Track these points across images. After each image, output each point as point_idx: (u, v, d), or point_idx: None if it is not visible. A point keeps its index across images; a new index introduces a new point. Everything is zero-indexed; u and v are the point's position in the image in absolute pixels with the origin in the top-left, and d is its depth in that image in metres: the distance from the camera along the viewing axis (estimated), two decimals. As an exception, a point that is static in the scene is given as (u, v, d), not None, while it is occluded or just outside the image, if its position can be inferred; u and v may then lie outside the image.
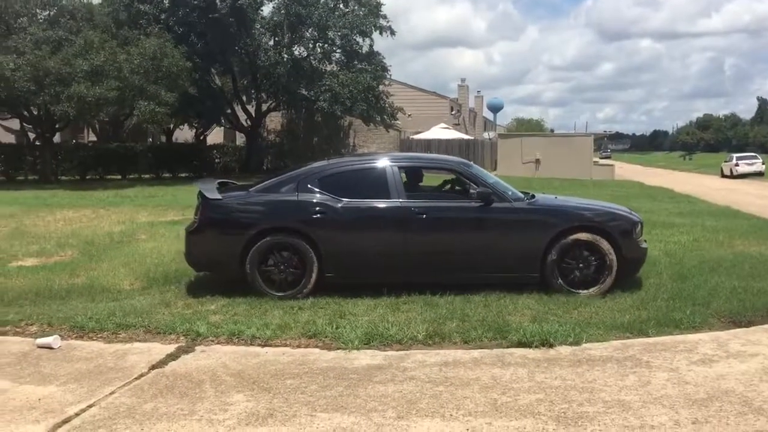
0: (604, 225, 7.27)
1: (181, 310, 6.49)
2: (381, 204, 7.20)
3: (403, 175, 7.60)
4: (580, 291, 7.05)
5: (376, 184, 7.28)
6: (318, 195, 7.13)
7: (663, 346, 5.44)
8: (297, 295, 6.91)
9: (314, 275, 6.97)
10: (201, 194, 7.21)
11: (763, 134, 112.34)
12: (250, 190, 7.45)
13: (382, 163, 7.55)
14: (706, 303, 6.57)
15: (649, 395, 4.40)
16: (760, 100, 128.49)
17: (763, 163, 43.65)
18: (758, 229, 12.24)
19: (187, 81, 26.34)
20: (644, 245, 7.56)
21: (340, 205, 7.09)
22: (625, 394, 4.41)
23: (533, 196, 7.69)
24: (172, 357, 5.22)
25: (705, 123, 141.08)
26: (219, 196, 7.17)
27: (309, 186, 7.18)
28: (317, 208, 7.07)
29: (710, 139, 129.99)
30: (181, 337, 5.68)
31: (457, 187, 8.02)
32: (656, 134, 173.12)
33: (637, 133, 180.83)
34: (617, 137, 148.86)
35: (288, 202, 7.16)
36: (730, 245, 10.26)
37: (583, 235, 7.13)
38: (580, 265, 7.13)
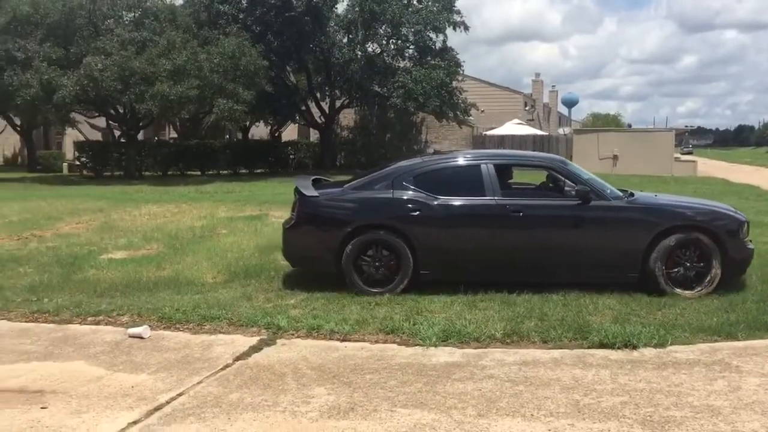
0: (709, 224, 7.07)
1: (262, 304, 6.65)
2: (476, 202, 7.17)
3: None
4: (685, 292, 6.87)
5: (471, 182, 7.24)
6: (413, 192, 7.15)
7: (753, 351, 5.24)
8: (392, 291, 6.95)
9: (410, 272, 7.01)
10: (298, 191, 7.35)
11: None
12: (345, 187, 7.56)
13: (477, 160, 7.53)
14: (799, 306, 6.29)
15: (739, 401, 4.25)
16: None
17: None
18: None
19: (263, 79, 26.92)
20: (750, 246, 7.29)
21: (435, 202, 7.09)
22: (714, 399, 4.27)
23: (632, 194, 7.52)
24: (255, 349, 5.36)
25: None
26: (316, 193, 7.29)
27: (404, 183, 7.22)
28: (413, 206, 7.08)
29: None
30: (263, 330, 5.83)
31: (551, 185, 7.89)
32: (741, 129, 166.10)
33: (721, 128, 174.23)
34: (699, 132, 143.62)
35: (383, 199, 7.20)
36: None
37: (686, 235, 6.95)
38: (686, 265, 6.95)
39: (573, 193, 7.17)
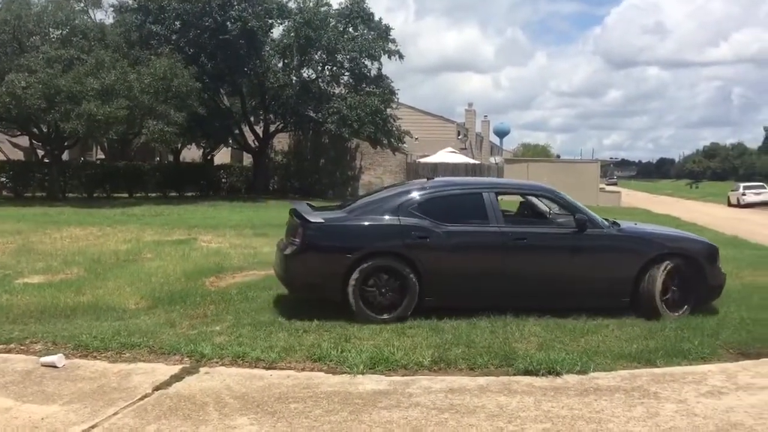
0: (692, 252, 7.57)
1: (186, 331, 6.46)
2: (481, 229, 7.29)
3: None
4: (672, 314, 7.26)
5: (475, 210, 7.37)
6: (419, 219, 7.15)
7: (671, 377, 5.39)
8: (397, 318, 6.89)
9: (415, 298, 6.99)
10: (300, 216, 7.18)
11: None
12: (345, 212, 7.46)
13: (480, 188, 7.71)
14: (714, 334, 6.52)
15: (657, 427, 4.35)
16: (767, 129, 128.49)
17: (770, 193, 43.46)
18: (766, 260, 12.17)
19: (196, 101, 26.54)
20: (723, 272, 7.78)
21: (441, 229, 7.13)
22: (633, 426, 4.36)
23: (618, 224, 7.79)
24: (177, 378, 5.19)
25: (712, 151, 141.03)
26: (321, 219, 7.18)
27: (410, 210, 7.21)
28: (420, 233, 7.08)
29: (717, 168, 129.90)
30: (186, 358, 5.65)
31: (526, 212, 8.24)
32: (663, 162, 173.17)
33: (644, 161, 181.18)
34: (624, 164, 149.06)
35: (391, 226, 7.15)
36: (738, 276, 10.17)
37: (673, 262, 7.33)
38: (673, 289, 7.36)
39: (558, 220, 7.66)
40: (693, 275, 7.42)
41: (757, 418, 4.53)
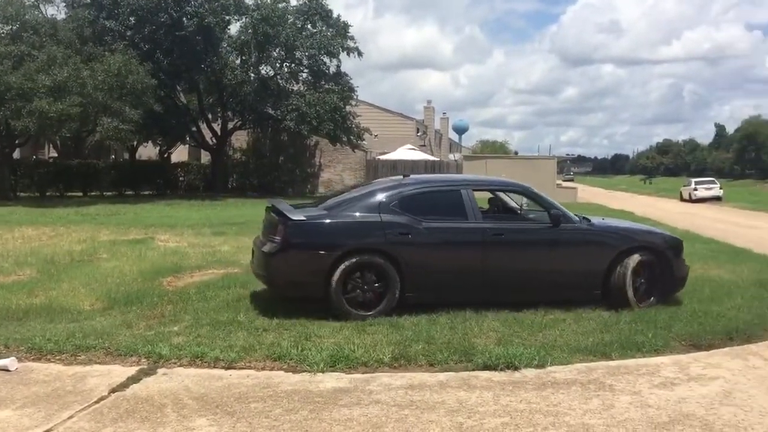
0: (660, 245, 7.92)
1: (143, 332, 6.36)
2: (461, 225, 7.41)
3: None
4: (641, 304, 7.53)
5: (454, 207, 7.47)
6: (400, 216, 7.21)
7: (626, 370, 5.50)
8: (379, 314, 6.91)
9: (397, 294, 7.03)
10: (281, 214, 7.14)
11: (720, 159, 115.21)
12: (323, 208, 7.44)
13: (458, 185, 7.83)
14: (667, 326, 6.68)
15: (612, 419, 4.44)
16: (718, 126, 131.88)
17: (720, 188, 44.71)
18: (717, 253, 12.50)
19: (151, 98, 26.15)
20: (687, 264, 8.12)
21: (423, 226, 7.20)
22: (589, 418, 4.44)
23: (588, 219, 8.07)
24: (134, 380, 5.11)
25: (664, 147, 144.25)
26: (303, 217, 7.15)
27: (390, 207, 7.26)
28: (402, 229, 7.14)
29: (669, 164, 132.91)
30: (143, 360, 5.57)
31: (494, 207, 8.43)
32: (617, 158, 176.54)
33: (599, 157, 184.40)
34: (580, 160, 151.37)
35: (373, 222, 7.17)
36: (690, 269, 10.43)
37: (642, 255, 7.64)
38: (641, 281, 7.67)
39: (530, 216, 7.99)
40: (660, 267, 7.74)
41: (708, 408, 4.66)
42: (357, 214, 7.24)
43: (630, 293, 7.51)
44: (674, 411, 4.59)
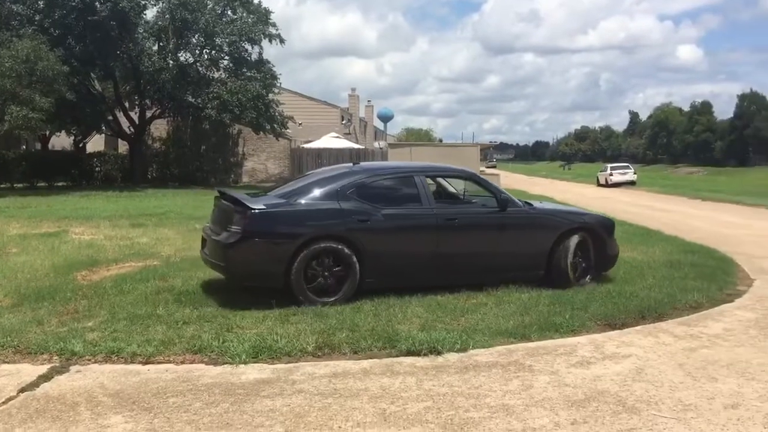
0: (596, 227, 8.43)
1: (55, 328, 6.10)
2: (416, 211, 7.61)
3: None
4: (580, 281, 8.04)
5: (409, 193, 7.70)
6: (358, 203, 7.33)
7: (544, 350, 5.65)
8: (340, 300, 6.99)
9: (357, 280, 7.13)
10: (239, 203, 7.09)
11: (634, 145, 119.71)
12: (277, 197, 7.45)
13: (412, 172, 7.99)
14: (584, 307, 6.88)
15: (531, 398, 4.54)
16: (632, 113, 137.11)
17: (634, 173, 46.53)
18: (631, 236, 12.96)
19: (64, 86, 25.10)
20: (617, 243, 8.74)
21: (380, 212, 7.35)
22: (509, 399, 4.53)
23: (530, 203, 8.55)
24: (45, 378, 4.90)
25: (582, 134, 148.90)
26: (263, 206, 7.12)
27: (348, 194, 7.35)
28: (361, 216, 7.25)
29: (587, 150, 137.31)
30: (55, 357, 5.34)
31: (440, 191, 8.59)
32: (538, 145, 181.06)
33: (521, 144, 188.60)
34: (502, 147, 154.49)
35: (333, 210, 7.25)
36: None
37: (581, 236, 8.13)
38: (579, 260, 8.13)
39: (475, 200, 8.29)
40: (595, 247, 8.25)
41: (621, 385, 4.83)
42: (316, 202, 7.31)
43: (570, 272, 7.96)
44: (590, 389, 4.74)
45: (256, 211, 7.03)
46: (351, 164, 8.38)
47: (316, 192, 7.42)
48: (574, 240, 8.05)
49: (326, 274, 7.07)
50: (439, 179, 8.74)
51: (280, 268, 6.91)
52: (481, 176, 8.43)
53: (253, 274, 7.10)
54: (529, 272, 7.97)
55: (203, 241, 7.83)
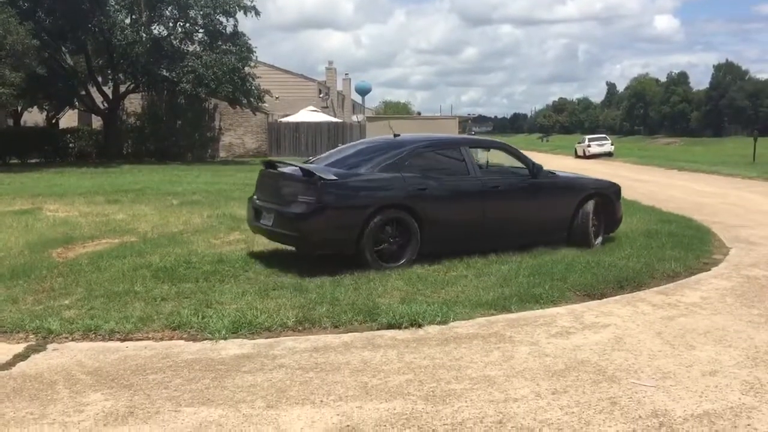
0: (607, 191, 9.24)
1: (31, 306, 6.01)
2: (466, 180, 8.11)
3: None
4: (595, 241, 8.79)
5: (457, 163, 8.18)
6: (416, 173, 7.75)
7: (525, 321, 5.67)
8: (403, 265, 7.37)
9: (417, 246, 7.56)
10: (310, 173, 7.36)
11: (611, 117, 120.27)
12: (331, 167, 7.69)
13: (458, 143, 8.68)
14: (563, 278, 6.92)
15: (512, 369, 4.56)
16: (609, 84, 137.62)
17: (612, 144, 46.80)
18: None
19: (34, 60, 24.54)
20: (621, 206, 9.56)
21: (436, 181, 7.82)
22: (490, 370, 4.55)
23: (553, 172, 9.14)
24: (21, 357, 4.82)
25: (560, 106, 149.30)
26: (334, 177, 7.35)
27: (406, 164, 7.76)
28: (420, 186, 7.66)
29: (565, 122, 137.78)
30: (31, 336, 5.26)
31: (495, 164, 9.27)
32: (516, 117, 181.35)
33: (499, 116, 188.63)
34: (481, 120, 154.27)
35: (397, 179, 7.61)
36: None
37: (596, 201, 8.86)
38: (595, 222, 8.84)
39: (510, 170, 8.85)
40: (606, 210, 9.01)
41: (600, 354, 4.86)
42: (379, 172, 7.65)
43: (591, 233, 8.71)
44: (570, 358, 4.77)
45: (330, 181, 7.29)
46: (392, 136, 8.70)
47: (374, 162, 7.75)
48: (591, 204, 8.76)
49: (391, 240, 7.46)
50: (492, 150, 9.40)
51: (353, 235, 7.24)
52: (515, 148, 9.14)
53: (327, 242, 7.38)
54: (556, 235, 8.63)
55: (255, 212, 8.06)
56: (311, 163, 8.29)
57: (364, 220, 7.25)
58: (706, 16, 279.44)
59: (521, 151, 9.36)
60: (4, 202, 13.81)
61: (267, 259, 7.86)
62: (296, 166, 7.83)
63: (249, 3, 30.49)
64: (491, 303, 6.06)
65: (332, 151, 8.99)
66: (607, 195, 9.14)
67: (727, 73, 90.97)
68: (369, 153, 8.06)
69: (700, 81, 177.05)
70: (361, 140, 9.25)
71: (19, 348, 5.00)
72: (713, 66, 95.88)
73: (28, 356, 4.85)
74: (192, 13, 29.95)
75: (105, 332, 5.30)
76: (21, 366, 4.67)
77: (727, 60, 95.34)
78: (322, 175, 7.30)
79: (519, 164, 8.81)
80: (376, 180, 7.59)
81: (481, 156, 9.28)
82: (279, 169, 8.17)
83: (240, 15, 30.50)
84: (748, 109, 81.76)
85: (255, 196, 8.29)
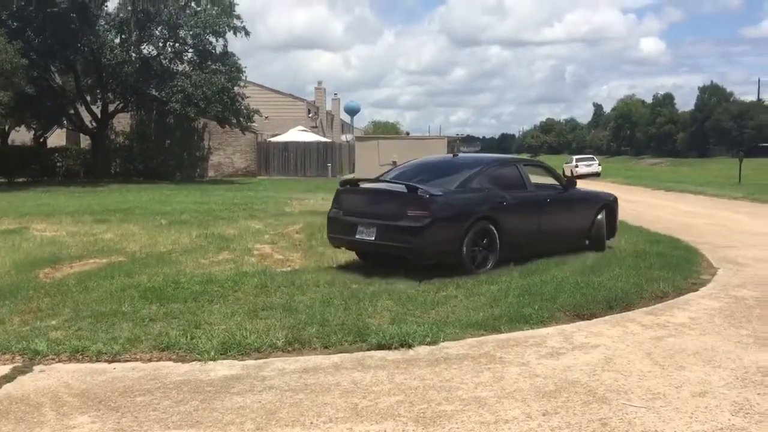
0: (612, 203, 10.69)
1: (17, 327, 5.95)
2: (526, 193, 9.32)
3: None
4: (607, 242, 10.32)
5: (516, 179, 9.35)
6: (492, 188, 8.85)
7: (515, 342, 5.67)
8: (488, 271, 8.26)
9: (498, 253, 8.54)
10: (414, 190, 8.17)
11: (598, 137, 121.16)
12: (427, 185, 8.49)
13: (515, 162, 10.05)
14: (552, 298, 6.93)
15: (502, 390, 4.55)
16: (596, 105, 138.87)
17: (599, 165, 47.15)
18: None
19: (23, 79, 24.54)
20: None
21: (511, 196, 8.87)
22: (481, 391, 4.53)
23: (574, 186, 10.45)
24: (7, 379, 4.77)
25: (548, 127, 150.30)
26: (441, 193, 8.28)
27: (481, 181, 8.85)
28: (499, 199, 8.74)
29: (552, 142, 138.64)
30: (17, 357, 5.20)
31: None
32: (504, 137, 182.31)
33: (488, 136, 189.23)
34: (469, 140, 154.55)
35: (484, 194, 8.73)
36: (573, 244, 10.90)
37: (606, 211, 10.36)
38: (605, 230, 10.33)
39: (545, 184, 10.02)
40: (609, 219, 10.43)
41: (591, 375, 4.86)
42: (460, 188, 8.62)
43: (604, 238, 10.21)
44: (560, 379, 4.76)
45: (439, 197, 8.19)
46: (451, 155, 10.38)
47: (456, 180, 8.73)
48: (602, 214, 10.19)
49: (480, 248, 8.37)
50: (533, 168, 10.48)
51: (456, 245, 8.11)
52: (550, 166, 10.69)
53: (436, 252, 8.14)
54: (580, 241, 9.98)
55: (335, 224, 8.79)
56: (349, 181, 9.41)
57: (464, 230, 8.15)
58: (691, 39, 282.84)
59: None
60: (-9, 221, 13.68)
61: (257, 277, 7.83)
62: (392, 183, 8.73)
63: (239, 23, 30.76)
64: (481, 323, 6.05)
65: (393, 170, 9.97)
66: (611, 205, 10.55)
67: (712, 95, 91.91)
68: (444, 171, 9.15)
69: (685, 102, 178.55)
70: (417, 159, 10.31)
71: (6, 369, 4.94)
72: (698, 88, 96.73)
73: (15, 378, 4.79)
74: (182, 33, 30.11)
75: (92, 353, 5.24)
76: (7, 388, 4.61)
77: (712, 82, 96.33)
78: (431, 191, 8.15)
79: (552, 180, 10.09)
80: (471, 195, 8.63)
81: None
82: (374, 186, 9.04)
83: (230, 35, 30.79)
84: (733, 131, 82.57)
85: (340, 212, 8.80)
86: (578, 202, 10.18)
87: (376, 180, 9.25)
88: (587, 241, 10.07)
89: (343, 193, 8.98)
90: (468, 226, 8.19)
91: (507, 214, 8.68)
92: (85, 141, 34.46)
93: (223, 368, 5.00)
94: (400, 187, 8.40)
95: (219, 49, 30.94)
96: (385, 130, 73.39)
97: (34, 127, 33.38)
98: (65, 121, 32.07)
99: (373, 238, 8.22)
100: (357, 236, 8.35)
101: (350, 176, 9.70)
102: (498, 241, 8.48)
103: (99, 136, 31.34)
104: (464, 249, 8.12)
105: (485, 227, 8.41)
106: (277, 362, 5.13)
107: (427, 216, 7.92)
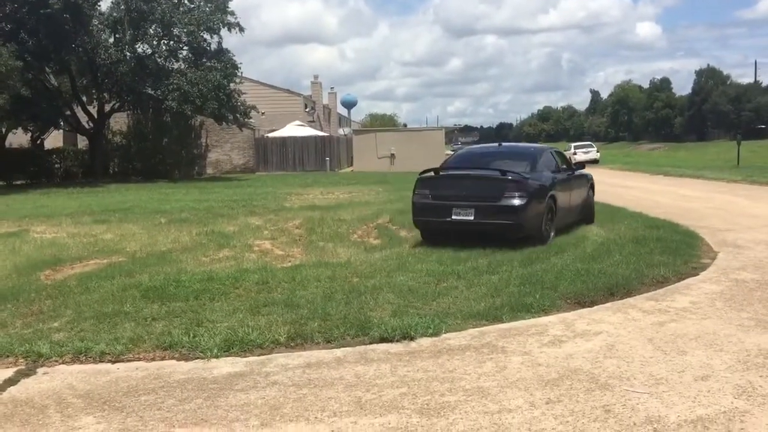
0: (592, 180, 12.59)
1: (20, 330, 5.95)
2: (561, 174, 10.92)
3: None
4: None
5: (555, 164, 11.03)
6: (547, 172, 10.44)
7: (516, 331, 5.68)
8: (553, 239, 9.87)
9: (554, 227, 10.12)
10: (506, 174, 9.44)
11: (596, 124, 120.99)
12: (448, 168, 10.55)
13: (547, 149, 11.73)
14: (553, 286, 6.94)
15: (505, 380, 4.56)
16: (593, 92, 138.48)
17: (597, 151, 47.15)
18: (597, 213, 13.04)
19: (18, 81, 24.44)
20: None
21: (558, 176, 10.66)
22: (484, 381, 4.54)
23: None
24: (11, 382, 4.78)
25: (545, 115, 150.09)
26: (529, 176, 9.67)
27: (537, 165, 10.25)
28: (554, 180, 10.36)
29: (550, 130, 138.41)
30: (21, 360, 5.21)
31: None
32: (502, 126, 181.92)
33: (485, 126, 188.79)
34: (467, 130, 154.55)
35: (548, 176, 10.32)
36: (573, 230, 10.91)
37: (591, 188, 12.38)
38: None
39: (573, 166, 12.06)
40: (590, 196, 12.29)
41: (593, 362, 4.88)
42: (535, 171, 10.08)
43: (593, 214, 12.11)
44: (563, 367, 4.77)
45: (530, 179, 9.59)
46: (496, 144, 12.54)
47: (523, 164, 10.05)
48: (592, 190, 12.24)
49: (548, 222, 9.79)
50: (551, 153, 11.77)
51: (540, 219, 9.58)
52: (563, 152, 12.53)
53: (531, 226, 9.47)
54: (581, 215, 11.63)
55: (423, 208, 9.89)
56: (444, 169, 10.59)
57: (545, 206, 9.65)
58: (687, 23, 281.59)
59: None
60: (-10, 224, 13.68)
61: (258, 274, 7.83)
62: (502, 169, 9.67)
63: (233, 19, 30.61)
64: (483, 313, 6.06)
65: (450, 159, 11.75)
66: (592, 182, 12.51)
67: (709, 78, 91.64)
68: (505, 158, 10.64)
69: (682, 87, 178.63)
70: (465, 149, 13.02)
71: (9, 373, 4.95)
72: (695, 71, 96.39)
73: (18, 381, 4.81)
74: (176, 31, 29.96)
75: (95, 354, 5.26)
76: (11, 391, 4.62)
77: (708, 65, 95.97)
78: (524, 176, 9.53)
79: (564, 164, 11.46)
80: (544, 177, 10.10)
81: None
82: (466, 172, 10.20)
83: (224, 32, 30.63)
84: (730, 114, 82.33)
85: (429, 197, 9.85)
86: (583, 180, 11.98)
87: (448, 168, 10.59)
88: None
89: (430, 180, 10.04)
90: (546, 202, 9.70)
91: (558, 192, 10.22)
92: (82, 142, 34.39)
93: (226, 365, 5.01)
94: (493, 173, 9.65)
95: (214, 46, 30.85)
96: (382, 123, 73.29)
97: (30, 129, 33.26)
98: (62, 122, 31.96)
99: (472, 218, 9.39)
100: (454, 217, 9.47)
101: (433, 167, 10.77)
102: (555, 216, 9.98)
103: (96, 136, 31.27)
104: (544, 223, 9.59)
105: (551, 204, 9.89)
106: (279, 358, 5.15)
107: (525, 195, 9.30)
